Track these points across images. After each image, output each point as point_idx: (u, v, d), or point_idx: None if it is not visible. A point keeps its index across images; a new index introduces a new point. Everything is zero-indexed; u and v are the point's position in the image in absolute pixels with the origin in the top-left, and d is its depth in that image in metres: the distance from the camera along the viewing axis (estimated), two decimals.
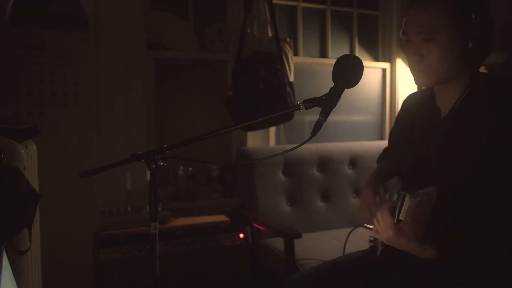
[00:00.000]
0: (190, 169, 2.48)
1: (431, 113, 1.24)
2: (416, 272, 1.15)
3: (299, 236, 1.95)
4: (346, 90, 1.05)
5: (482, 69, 3.05)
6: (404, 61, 3.00)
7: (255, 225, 2.24)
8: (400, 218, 1.07)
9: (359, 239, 1.60)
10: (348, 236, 1.52)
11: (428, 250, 1.03)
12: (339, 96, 1.04)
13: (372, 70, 3.05)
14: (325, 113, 1.01)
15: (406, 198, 1.05)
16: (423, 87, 1.24)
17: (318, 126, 1.01)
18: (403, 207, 1.06)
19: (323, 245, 2.15)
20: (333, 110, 1.03)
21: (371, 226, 1.39)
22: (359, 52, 3.07)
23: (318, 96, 1.04)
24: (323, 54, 2.96)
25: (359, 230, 1.49)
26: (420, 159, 1.22)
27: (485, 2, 1.12)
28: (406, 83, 3.05)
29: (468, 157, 1.10)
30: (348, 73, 1.03)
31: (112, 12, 2.25)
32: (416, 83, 1.20)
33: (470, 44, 1.09)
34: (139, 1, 2.32)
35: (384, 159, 1.58)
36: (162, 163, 1.15)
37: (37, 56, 2.11)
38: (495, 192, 1.06)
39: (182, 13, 2.56)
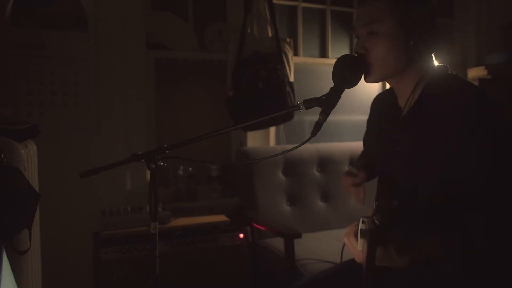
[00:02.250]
0: (190, 169, 2.48)
1: (394, 112, 1.23)
2: (402, 275, 1.14)
3: (299, 236, 1.95)
4: (346, 90, 1.05)
5: (482, 69, 3.07)
6: None
7: (255, 225, 2.24)
8: (358, 248, 1.04)
9: None
10: (344, 245, 1.50)
11: (400, 262, 1.00)
12: (339, 96, 1.04)
13: None
14: (325, 113, 1.01)
15: (361, 225, 1.00)
16: (370, 83, 1.21)
17: (318, 126, 1.01)
18: (359, 235, 1.02)
19: (323, 245, 2.15)
20: (333, 110, 1.03)
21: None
22: None
23: (318, 96, 1.04)
24: (323, 54, 2.96)
25: None
26: (389, 161, 1.22)
27: None
28: None
29: (434, 157, 1.08)
30: (348, 73, 1.03)
31: (112, 12, 2.25)
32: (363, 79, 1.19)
33: (412, 37, 1.09)
34: (139, 1, 2.32)
35: (362, 158, 1.55)
36: (162, 163, 1.15)
37: (37, 56, 2.11)
38: (463, 189, 1.04)
39: (182, 13, 2.57)
